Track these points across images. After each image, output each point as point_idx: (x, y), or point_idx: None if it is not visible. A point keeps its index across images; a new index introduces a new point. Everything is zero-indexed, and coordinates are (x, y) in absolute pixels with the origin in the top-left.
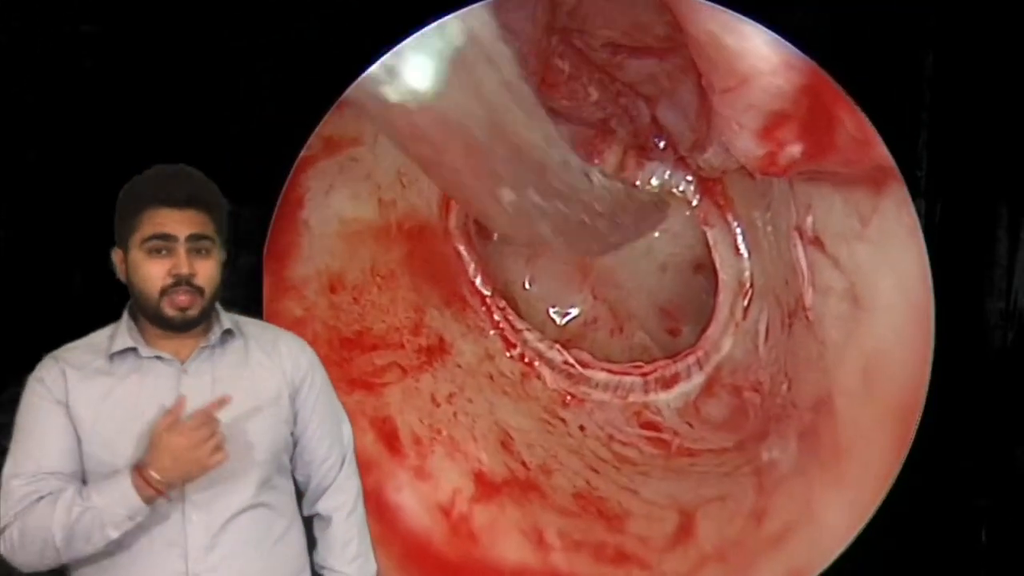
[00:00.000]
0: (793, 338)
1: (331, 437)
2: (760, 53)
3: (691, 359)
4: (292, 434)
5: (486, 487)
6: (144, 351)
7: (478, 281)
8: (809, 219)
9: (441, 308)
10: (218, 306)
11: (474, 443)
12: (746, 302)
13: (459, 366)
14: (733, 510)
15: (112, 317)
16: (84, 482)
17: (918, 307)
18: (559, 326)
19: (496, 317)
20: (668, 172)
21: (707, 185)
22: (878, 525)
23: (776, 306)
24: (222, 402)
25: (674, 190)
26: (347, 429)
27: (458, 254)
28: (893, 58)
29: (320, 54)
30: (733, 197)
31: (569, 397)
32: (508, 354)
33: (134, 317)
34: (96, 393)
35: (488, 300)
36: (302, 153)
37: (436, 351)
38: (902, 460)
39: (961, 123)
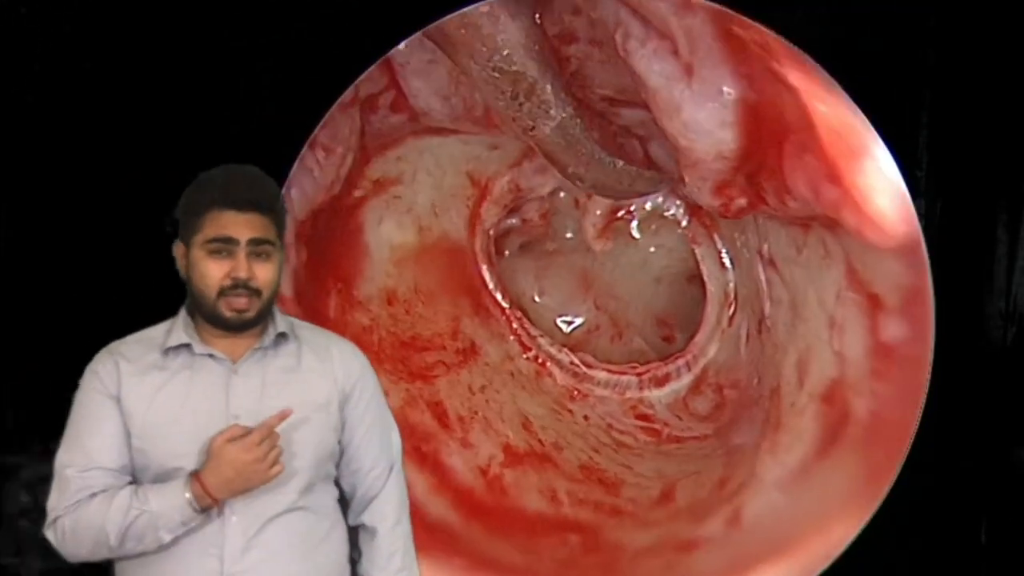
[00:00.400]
0: (761, 341)
1: (379, 446)
2: (703, 150)
3: (681, 361)
4: (339, 442)
5: (513, 456)
6: (198, 348)
7: (498, 295)
8: (766, 245)
9: (472, 317)
10: (276, 308)
11: (502, 423)
12: (731, 311)
13: (487, 365)
14: (704, 480)
15: (117, 316)
16: (132, 475)
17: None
18: (565, 333)
19: (514, 325)
20: (661, 198)
21: (695, 209)
22: (878, 525)
23: (752, 314)
24: (283, 415)
25: (666, 213)
26: (396, 438)
27: (481, 272)
28: (893, 58)
29: (320, 54)
30: (717, 221)
31: (576, 392)
32: (525, 356)
33: (191, 314)
34: (148, 387)
35: (507, 311)
36: (356, 194)
37: (470, 352)
38: (899, 463)
39: (961, 123)
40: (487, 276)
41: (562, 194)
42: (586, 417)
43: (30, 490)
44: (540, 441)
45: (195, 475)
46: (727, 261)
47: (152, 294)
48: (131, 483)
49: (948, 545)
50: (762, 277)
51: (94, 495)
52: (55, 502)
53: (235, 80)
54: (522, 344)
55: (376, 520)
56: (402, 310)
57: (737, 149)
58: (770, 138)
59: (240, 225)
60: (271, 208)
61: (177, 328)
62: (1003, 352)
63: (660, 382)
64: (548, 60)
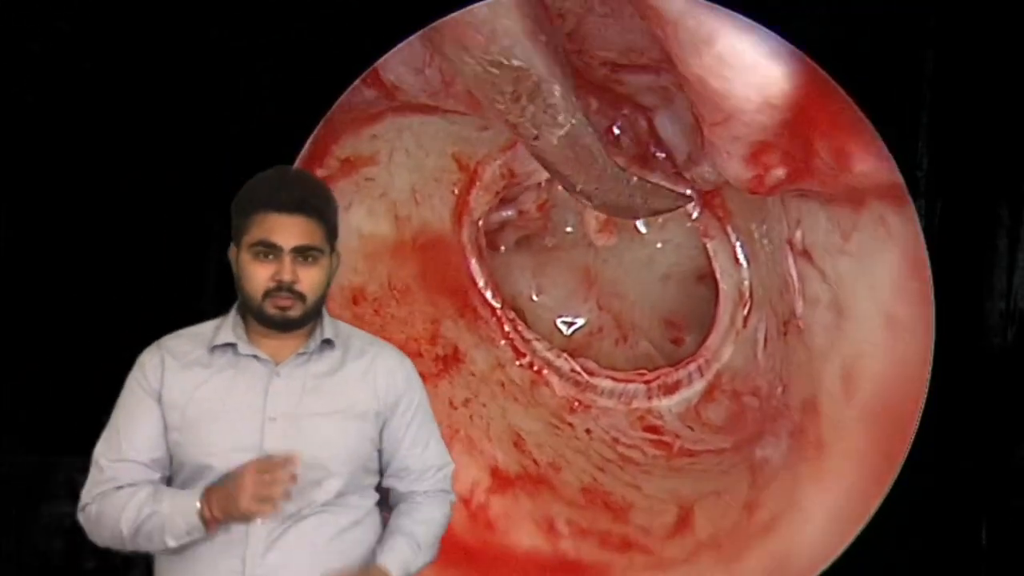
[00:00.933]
0: (787, 345)
1: (425, 453)
2: (743, 94)
3: (692, 367)
4: (380, 451)
5: (501, 480)
6: (243, 348)
7: (488, 294)
8: (799, 233)
9: (455, 319)
10: (326, 314)
11: (489, 442)
12: (746, 311)
13: (473, 374)
14: (728, 503)
15: (117, 316)
16: (169, 470)
17: (895, 315)
18: (566, 336)
19: (506, 328)
20: (669, 185)
21: (707, 198)
22: (878, 525)
23: (772, 315)
24: (291, 461)
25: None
26: (440, 449)
27: (469, 267)
28: (893, 58)
29: (320, 54)
30: (732, 210)
31: (576, 403)
32: (518, 363)
33: (241, 314)
34: (191, 383)
35: (498, 312)
36: (318, 172)
37: (451, 360)
38: (900, 462)
39: (961, 123)
40: (476, 272)
41: (561, 186)
42: (588, 431)
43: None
44: (535, 461)
45: (207, 488)
46: (742, 256)
47: (152, 293)
48: (164, 479)
49: (948, 545)
50: (792, 271)
51: (120, 487)
52: (87, 489)
53: (235, 80)
54: (515, 349)
55: (414, 491)
56: (370, 310)
57: (792, 93)
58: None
59: (285, 229)
60: (318, 212)
61: (226, 327)
62: (1003, 352)
63: (670, 390)
64: (557, 54)
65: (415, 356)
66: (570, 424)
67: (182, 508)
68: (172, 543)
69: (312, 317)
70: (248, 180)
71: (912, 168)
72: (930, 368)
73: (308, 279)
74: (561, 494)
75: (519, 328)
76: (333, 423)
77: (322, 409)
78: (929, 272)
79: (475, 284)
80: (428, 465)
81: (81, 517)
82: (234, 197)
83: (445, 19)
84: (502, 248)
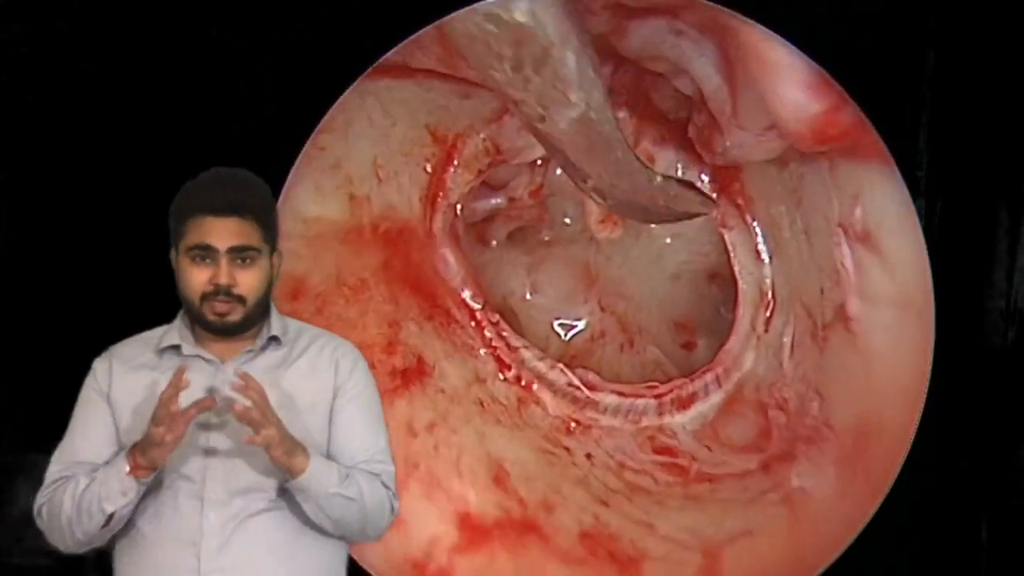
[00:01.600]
0: (828, 352)
1: (360, 441)
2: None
3: (709, 376)
4: (327, 445)
5: (473, 532)
6: (187, 349)
7: (466, 293)
8: (858, 211)
9: (421, 323)
10: (273, 311)
11: (459, 479)
12: (768, 313)
13: (442, 391)
14: (765, 548)
15: (116, 316)
16: None
17: (919, 306)
18: (564, 341)
19: (488, 334)
20: (681, 166)
21: (725, 182)
22: (878, 525)
23: (805, 317)
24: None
25: None
26: (382, 444)
27: (444, 261)
28: (893, 58)
29: (320, 54)
30: (753, 196)
31: (574, 424)
32: (502, 376)
33: (189, 317)
34: (138, 385)
35: (478, 315)
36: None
37: (414, 374)
38: (899, 463)
39: (961, 123)
40: (450, 265)
41: (558, 171)
42: (589, 456)
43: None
44: (520, 501)
45: (134, 445)
46: (764, 250)
47: (151, 295)
48: None
49: (948, 545)
50: (846, 261)
51: (67, 479)
52: (39, 493)
53: (235, 80)
54: (498, 360)
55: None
56: (311, 307)
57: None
58: None
59: (220, 231)
60: (254, 211)
61: (172, 330)
62: (1003, 352)
63: (684, 403)
64: (575, 17)
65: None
66: (567, 448)
67: (113, 469)
68: (109, 507)
69: (255, 321)
70: (186, 184)
71: (912, 168)
72: (930, 368)
73: (246, 281)
74: (554, 545)
75: (504, 334)
76: (282, 415)
77: (272, 401)
78: (929, 271)
79: (449, 281)
80: (364, 457)
81: (38, 522)
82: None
83: None
84: (493, 243)
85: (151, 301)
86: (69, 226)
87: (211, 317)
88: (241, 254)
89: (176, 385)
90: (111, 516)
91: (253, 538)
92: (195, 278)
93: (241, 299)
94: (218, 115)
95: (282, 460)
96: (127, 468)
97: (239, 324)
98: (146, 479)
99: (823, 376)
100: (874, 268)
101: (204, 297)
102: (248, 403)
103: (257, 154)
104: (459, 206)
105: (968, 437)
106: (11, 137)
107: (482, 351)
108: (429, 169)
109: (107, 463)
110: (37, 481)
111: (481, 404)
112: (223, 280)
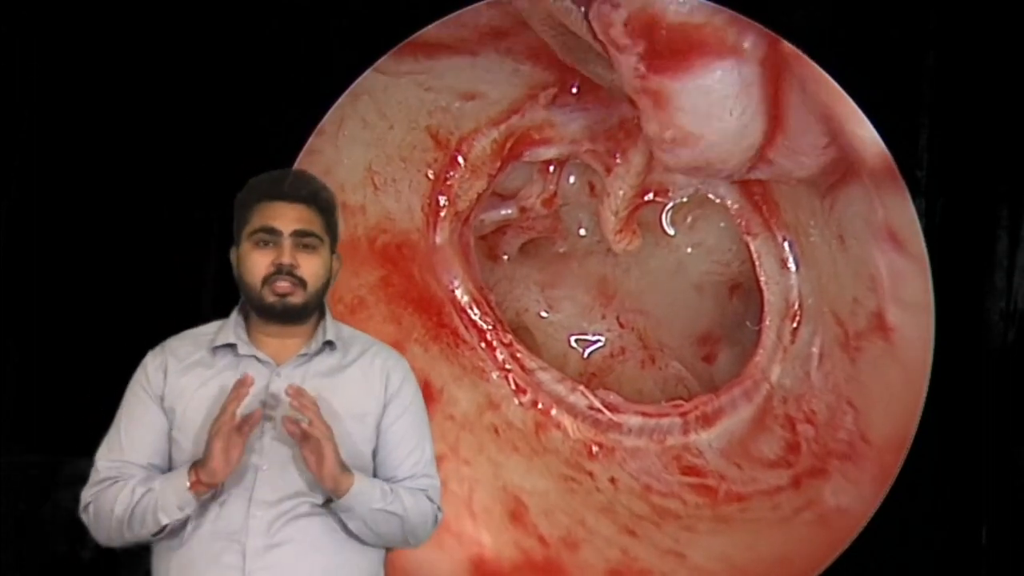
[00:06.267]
0: (861, 362)
1: (410, 457)
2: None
3: (737, 391)
4: (373, 454)
5: None
6: (243, 349)
7: (474, 311)
8: (897, 216)
9: (426, 344)
10: (328, 316)
11: (471, 520)
12: (795, 323)
13: (452, 417)
14: (802, 574)
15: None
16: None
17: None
18: (584, 358)
19: (500, 355)
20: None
21: (748, 188)
22: (878, 525)
23: (835, 325)
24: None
25: (710, 194)
26: (428, 459)
27: (449, 277)
28: (893, 58)
29: (320, 54)
30: (779, 202)
31: (596, 447)
32: (517, 401)
33: (244, 315)
34: (192, 384)
35: (489, 334)
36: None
37: None
38: (900, 462)
39: (961, 123)
40: (456, 281)
41: (572, 179)
42: (613, 480)
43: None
44: (541, 539)
45: (195, 460)
46: (790, 259)
47: (152, 293)
48: None
49: (948, 545)
50: (881, 269)
51: (117, 481)
52: (86, 490)
53: (235, 80)
54: (514, 384)
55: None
56: None
57: None
58: None
59: (284, 215)
60: (317, 201)
61: (227, 328)
62: (1003, 352)
63: (709, 420)
64: None
65: None
66: (589, 473)
67: (173, 482)
68: (164, 519)
69: (313, 309)
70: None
71: (912, 168)
72: (930, 368)
73: (308, 265)
74: None
75: (518, 355)
76: (332, 424)
77: (322, 410)
78: (929, 271)
79: (455, 298)
80: (411, 472)
81: (84, 519)
82: (235, 197)
83: None
84: (504, 257)
85: (150, 301)
86: (68, 226)
87: (271, 299)
88: (304, 239)
89: (238, 399)
90: (165, 527)
91: (298, 539)
92: (258, 261)
93: (303, 282)
94: (218, 115)
95: (330, 475)
96: (187, 483)
97: (300, 308)
98: (205, 494)
99: (856, 387)
100: (911, 274)
101: (266, 279)
102: (304, 419)
103: (257, 154)
104: (468, 215)
105: (968, 437)
106: (11, 137)
107: (495, 374)
108: (431, 175)
109: (167, 476)
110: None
111: (495, 431)
112: (286, 260)
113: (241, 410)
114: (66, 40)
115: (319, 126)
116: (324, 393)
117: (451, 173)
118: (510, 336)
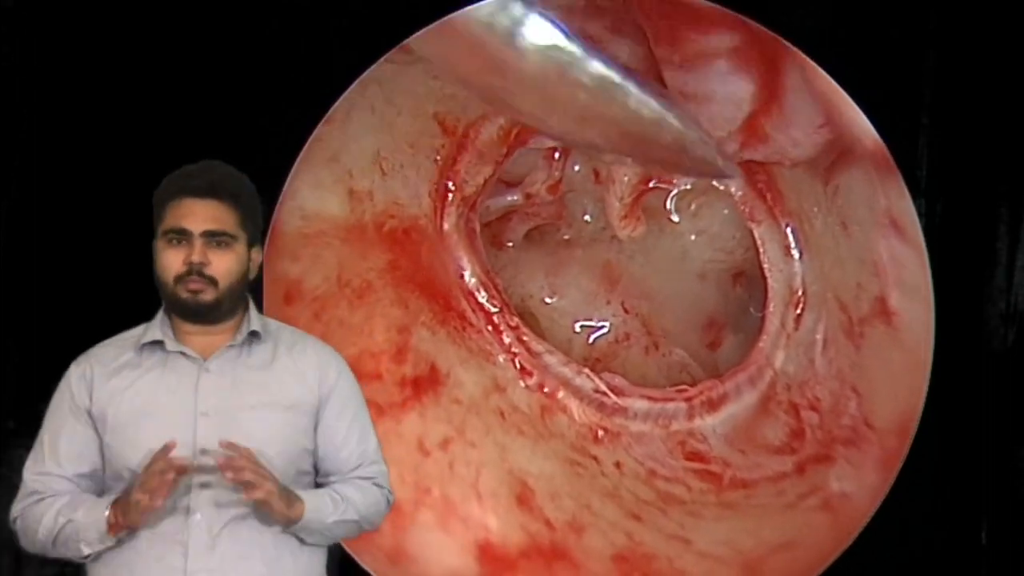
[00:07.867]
0: (865, 348)
1: (355, 452)
2: None
3: (741, 376)
4: (314, 452)
5: (495, 564)
6: (170, 345)
7: (481, 294)
8: (898, 202)
9: (433, 328)
10: (252, 308)
11: (478, 503)
12: (798, 310)
13: (458, 401)
14: (807, 560)
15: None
16: (103, 484)
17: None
18: (589, 344)
19: (507, 339)
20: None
21: (752, 175)
22: (878, 525)
23: (839, 312)
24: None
25: (714, 181)
26: (374, 447)
27: (456, 261)
28: (893, 58)
29: (320, 54)
30: (782, 190)
31: (602, 431)
32: (523, 384)
33: (168, 313)
34: (120, 386)
35: (496, 318)
36: None
37: (426, 383)
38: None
39: (961, 123)
40: (464, 265)
41: (576, 166)
42: (618, 464)
43: None
44: (547, 522)
45: (117, 496)
46: (794, 245)
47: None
48: (97, 493)
49: (948, 545)
50: (883, 254)
51: (42, 499)
52: (15, 502)
53: (235, 80)
54: (520, 367)
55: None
56: (308, 312)
57: None
58: None
59: (196, 214)
60: (231, 196)
61: (153, 326)
62: (1003, 353)
63: (714, 405)
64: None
65: (372, 379)
66: (594, 458)
67: (94, 516)
68: (86, 550)
69: (227, 304)
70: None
71: (912, 168)
72: (930, 368)
73: (219, 263)
74: (586, 572)
75: (524, 338)
76: (266, 415)
77: (254, 402)
78: (929, 271)
79: (464, 282)
80: (358, 463)
81: (12, 526)
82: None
83: None
84: (509, 243)
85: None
86: (68, 226)
87: (184, 295)
88: (215, 238)
89: (165, 459)
90: (89, 555)
91: (241, 539)
92: (170, 259)
93: (213, 280)
94: (218, 115)
95: (281, 512)
96: (106, 525)
97: (212, 305)
98: (124, 535)
99: (860, 373)
100: (910, 260)
101: (178, 278)
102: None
103: (257, 154)
104: (475, 200)
105: (968, 437)
106: (11, 137)
107: (501, 357)
108: (438, 160)
109: (89, 507)
110: None
111: (501, 414)
112: (196, 258)
113: (172, 403)
114: (66, 40)
115: (328, 114)
116: (257, 384)
117: (459, 159)
118: (517, 319)
